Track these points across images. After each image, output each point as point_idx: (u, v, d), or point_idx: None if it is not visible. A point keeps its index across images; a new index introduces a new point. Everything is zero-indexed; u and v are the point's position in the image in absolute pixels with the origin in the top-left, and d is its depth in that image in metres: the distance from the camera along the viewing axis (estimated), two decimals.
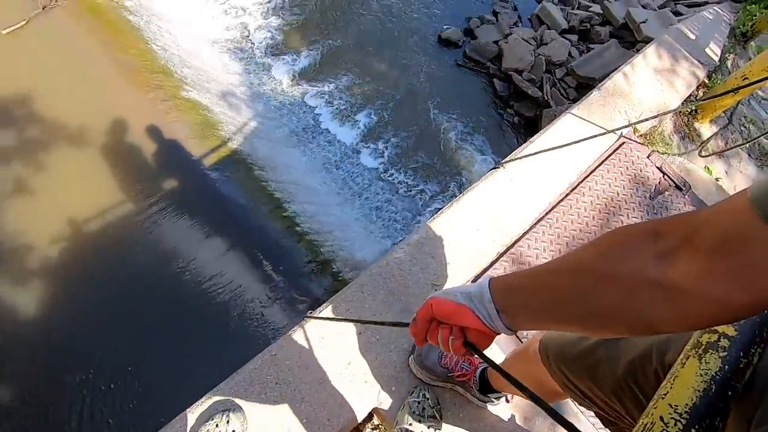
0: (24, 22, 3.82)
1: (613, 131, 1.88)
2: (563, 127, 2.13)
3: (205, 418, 1.28)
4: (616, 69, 5.28)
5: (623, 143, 2.12)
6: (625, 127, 2.01)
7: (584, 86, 5.68)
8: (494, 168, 1.94)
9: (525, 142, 5.79)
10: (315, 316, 1.46)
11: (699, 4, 6.18)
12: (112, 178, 3.47)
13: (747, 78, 2.51)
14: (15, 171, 3.36)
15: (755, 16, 4.09)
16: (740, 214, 0.40)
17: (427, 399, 1.37)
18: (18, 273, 3.04)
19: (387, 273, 1.63)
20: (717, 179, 2.58)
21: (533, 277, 0.60)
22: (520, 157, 1.92)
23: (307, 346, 1.43)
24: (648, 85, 2.70)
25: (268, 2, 6.10)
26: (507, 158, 1.97)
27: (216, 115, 4.21)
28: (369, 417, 1.49)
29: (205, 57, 5.22)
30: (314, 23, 6.13)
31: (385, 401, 1.43)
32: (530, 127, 5.78)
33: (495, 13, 6.87)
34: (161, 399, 2.78)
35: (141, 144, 3.68)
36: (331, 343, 1.47)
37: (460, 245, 1.74)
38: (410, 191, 5.23)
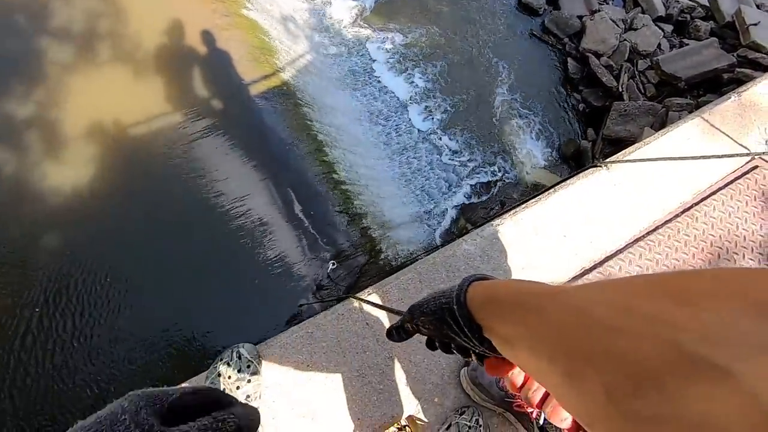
0: None
1: (748, 154, 1.57)
2: (686, 132, 1.81)
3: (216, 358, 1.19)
4: (711, 71, 4.75)
5: (756, 167, 1.77)
6: (764, 154, 1.68)
7: (666, 84, 5.18)
8: (595, 166, 1.68)
9: (586, 132, 5.38)
10: (362, 298, 1.30)
11: None
12: (158, 82, 3.38)
13: None
14: (64, 54, 3.31)
15: None
16: None
17: (480, 426, 1.18)
18: (44, 161, 3.04)
19: (451, 264, 1.40)
20: None
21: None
22: (629, 160, 1.63)
23: (347, 330, 1.28)
24: None
25: None
26: (612, 158, 1.68)
27: (273, 41, 4.02)
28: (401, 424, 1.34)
29: None
30: None
31: (425, 411, 1.24)
32: (595, 116, 5.37)
33: None
34: (167, 332, 2.78)
35: (193, 54, 3.56)
36: (376, 332, 1.29)
37: (542, 250, 1.48)
38: (453, 159, 4.99)
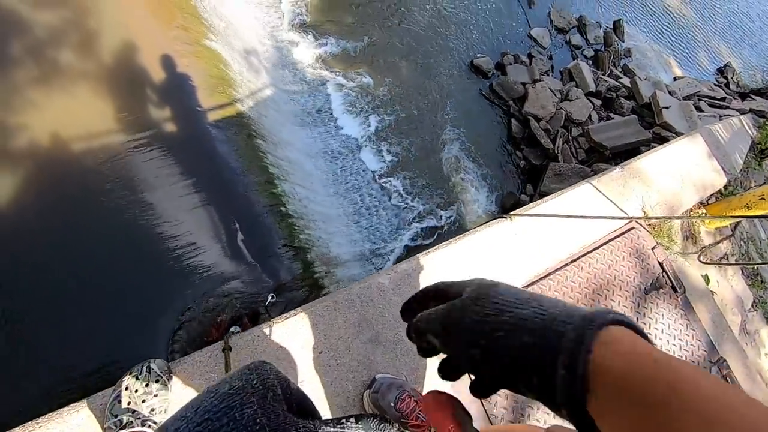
0: None
1: (627, 217, 1.86)
2: (579, 195, 2.11)
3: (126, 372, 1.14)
4: (632, 143, 5.35)
5: (632, 228, 2.12)
6: (640, 218, 2.00)
7: (594, 151, 5.76)
8: (501, 217, 1.89)
9: (525, 187, 5.78)
10: (280, 321, 1.35)
11: (721, 107, 6.37)
12: (105, 100, 3.31)
13: (764, 198, 2.48)
14: (12, 67, 3.18)
15: None
16: None
17: None
18: None
19: (366, 296, 1.53)
20: (712, 292, 2.58)
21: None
22: (529, 214, 1.87)
23: (262, 353, 1.32)
24: (670, 177, 2.68)
25: None
26: (516, 211, 1.92)
27: (233, 73, 4.09)
28: None
29: (237, 13, 5.11)
30: (352, 15, 6.06)
31: None
32: (534, 174, 5.83)
33: (530, 56, 6.93)
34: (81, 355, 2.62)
35: (148, 77, 3.54)
36: (289, 354, 1.35)
37: None
38: (401, 203, 5.18)
